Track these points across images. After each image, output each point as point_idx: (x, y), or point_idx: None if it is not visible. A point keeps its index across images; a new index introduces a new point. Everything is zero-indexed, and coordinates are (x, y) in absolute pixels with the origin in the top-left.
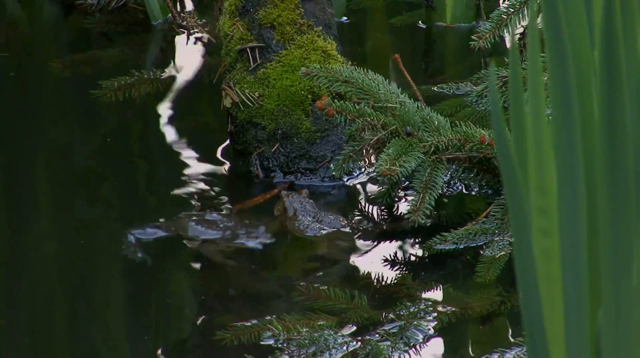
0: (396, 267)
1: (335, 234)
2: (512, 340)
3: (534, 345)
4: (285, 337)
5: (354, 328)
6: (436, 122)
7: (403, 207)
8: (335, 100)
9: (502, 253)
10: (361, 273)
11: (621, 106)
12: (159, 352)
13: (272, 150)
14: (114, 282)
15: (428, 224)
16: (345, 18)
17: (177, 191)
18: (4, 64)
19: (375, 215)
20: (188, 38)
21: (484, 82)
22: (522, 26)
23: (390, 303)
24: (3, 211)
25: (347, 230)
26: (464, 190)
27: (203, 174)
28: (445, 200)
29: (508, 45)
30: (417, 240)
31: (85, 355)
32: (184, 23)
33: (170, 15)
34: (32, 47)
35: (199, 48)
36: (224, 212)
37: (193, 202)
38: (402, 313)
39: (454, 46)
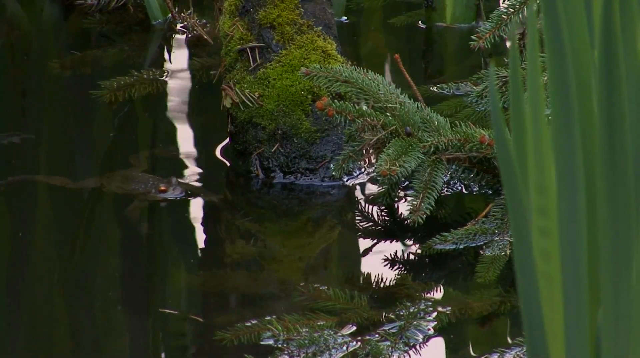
0: (396, 267)
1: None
2: (512, 340)
3: (533, 345)
4: (285, 337)
5: (354, 328)
6: (436, 122)
7: (403, 207)
8: (335, 100)
9: (502, 253)
10: (361, 273)
11: (621, 106)
12: (159, 352)
13: (272, 150)
14: (113, 282)
15: (428, 224)
16: (345, 18)
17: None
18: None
19: (375, 215)
20: (188, 38)
21: (484, 83)
22: (522, 26)
23: (390, 303)
24: (3, 212)
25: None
26: (463, 190)
27: (203, 174)
28: (446, 199)
29: (508, 45)
30: (417, 240)
31: (84, 354)
32: (184, 23)
33: (170, 15)
34: (32, 47)
35: (199, 48)
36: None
37: (192, 202)
38: (402, 313)
39: (454, 46)
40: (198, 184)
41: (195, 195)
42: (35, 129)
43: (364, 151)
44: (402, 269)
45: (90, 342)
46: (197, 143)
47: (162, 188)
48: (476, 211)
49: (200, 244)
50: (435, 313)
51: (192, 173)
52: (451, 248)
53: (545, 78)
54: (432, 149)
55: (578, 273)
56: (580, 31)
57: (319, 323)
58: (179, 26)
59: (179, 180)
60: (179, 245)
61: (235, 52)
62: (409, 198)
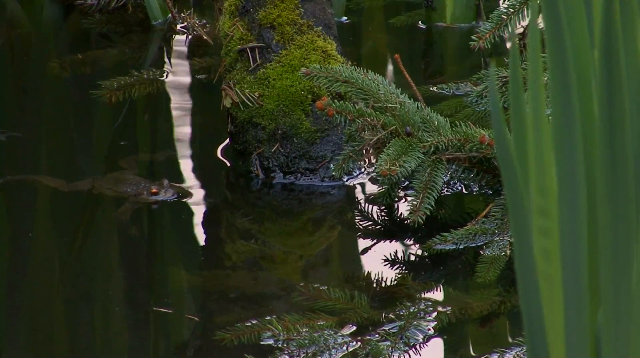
0: (396, 267)
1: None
2: (512, 340)
3: (534, 345)
4: (285, 337)
5: (354, 328)
6: (436, 122)
7: (403, 207)
8: (335, 100)
9: (502, 253)
10: (361, 273)
11: (621, 106)
12: (159, 352)
13: (272, 150)
14: (113, 282)
15: (428, 224)
16: (345, 18)
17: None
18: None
19: (375, 215)
20: (188, 38)
21: (484, 83)
22: (522, 26)
23: (390, 303)
24: (3, 212)
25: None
26: (463, 190)
27: (203, 174)
28: (446, 199)
29: (508, 45)
30: (417, 240)
31: (84, 355)
32: (184, 23)
33: (170, 15)
34: (32, 47)
35: (199, 48)
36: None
37: (193, 202)
38: (402, 313)
39: (454, 46)
40: (191, 187)
41: (186, 197)
42: (34, 128)
43: (364, 151)
44: (402, 269)
45: (90, 343)
46: (197, 143)
47: (154, 190)
48: (476, 211)
49: (201, 244)
50: (435, 313)
51: (192, 173)
52: (451, 248)
53: (546, 78)
54: (432, 149)
55: (578, 273)
56: (581, 31)
57: (319, 323)
58: (179, 26)
59: (171, 183)
60: (179, 245)
61: (235, 52)
62: (409, 198)
